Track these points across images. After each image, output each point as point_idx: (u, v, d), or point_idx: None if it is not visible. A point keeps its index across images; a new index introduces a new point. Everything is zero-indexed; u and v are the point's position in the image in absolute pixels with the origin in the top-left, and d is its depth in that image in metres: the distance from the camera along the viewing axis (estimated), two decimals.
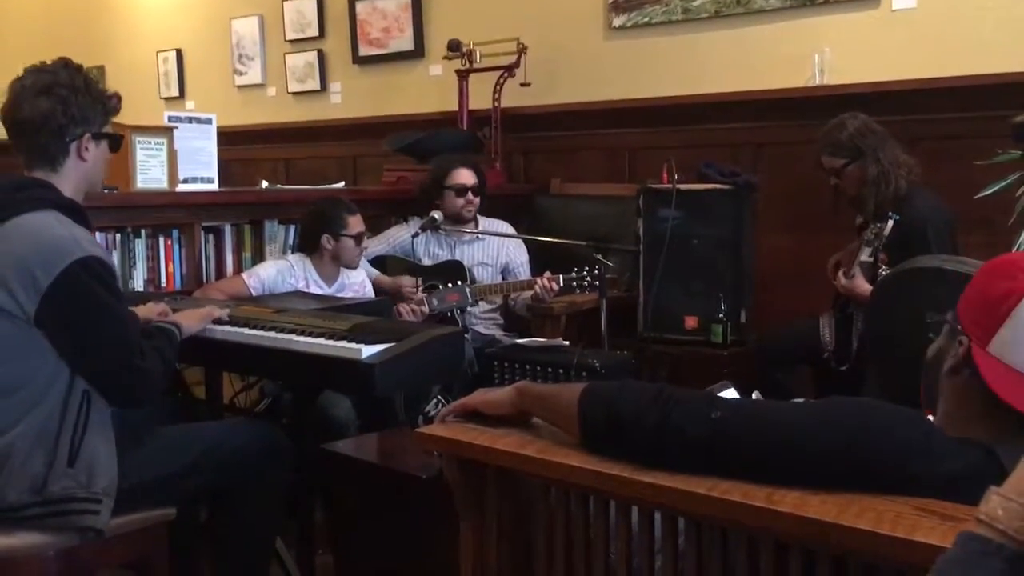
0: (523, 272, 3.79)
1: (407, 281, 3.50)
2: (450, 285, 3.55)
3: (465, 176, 3.70)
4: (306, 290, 3.31)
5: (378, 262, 3.75)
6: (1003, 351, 1.25)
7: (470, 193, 3.69)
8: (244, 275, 3.36)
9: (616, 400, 1.42)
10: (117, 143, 2.25)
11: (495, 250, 3.80)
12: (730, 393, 1.92)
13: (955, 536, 0.95)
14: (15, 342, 1.97)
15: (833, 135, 3.22)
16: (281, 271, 3.35)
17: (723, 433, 1.32)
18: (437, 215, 3.62)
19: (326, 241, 3.31)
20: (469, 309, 3.62)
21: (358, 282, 3.46)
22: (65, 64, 2.14)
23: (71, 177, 2.12)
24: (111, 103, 2.19)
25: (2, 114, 2.14)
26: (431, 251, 3.75)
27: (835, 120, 3.24)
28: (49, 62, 2.14)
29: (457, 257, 3.73)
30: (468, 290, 3.53)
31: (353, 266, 3.39)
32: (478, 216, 3.80)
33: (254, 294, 3.29)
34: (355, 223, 3.32)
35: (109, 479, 2.02)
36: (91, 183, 2.21)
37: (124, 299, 2.16)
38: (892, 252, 3.01)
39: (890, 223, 2.97)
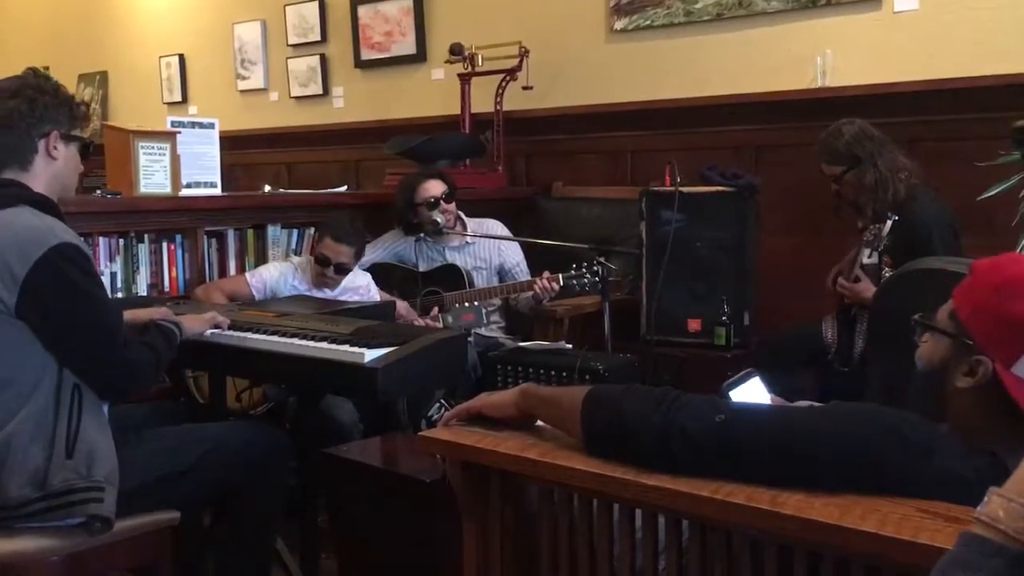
0: (520, 272, 3.77)
1: (402, 307, 3.46)
2: (465, 304, 3.51)
3: (433, 188, 3.63)
4: (308, 293, 3.31)
5: (377, 269, 3.73)
6: None
7: (442, 203, 3.63)
8: (247, 275, 3.38)
9: (620, 404, 1.42)
10: (87, 148, 2.28)
11: (487, 252, 3.77)
12: (755, 382, 1.92)
13: (957, 537, 0.95)
14: (0, 336, 1.99)
15: (830, 143, 3.22)
16: (284, 273, 3.36)
17: (727, 437, 1.32)
18: (440, 218, 3.61)
19: (312, 242, 3.35)
20: None
21: (362, 285, 3.45)
22: (35, 72, 2.20)
23: (42, 176, 2.15)
24: (78, 108, 2.23)
25: None
26: (426, 255, 3.74)
27: (832, 127, 3.24)
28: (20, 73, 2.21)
29: (449, 262, 3.72)
30: (484, 311, 3.50)
31: (315, 284, 3.33)
32: (465, 219, 3.78)
33: (255, 294, 3.29)
34: (328, 247, 3.25)
35: (109, 467, 2.03)
36: (63, 185, 2.23)
37: (103, 286, 2.18)
38: (897, 255, 3.00)
39: (888, 223, 2.98)
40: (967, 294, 1.35)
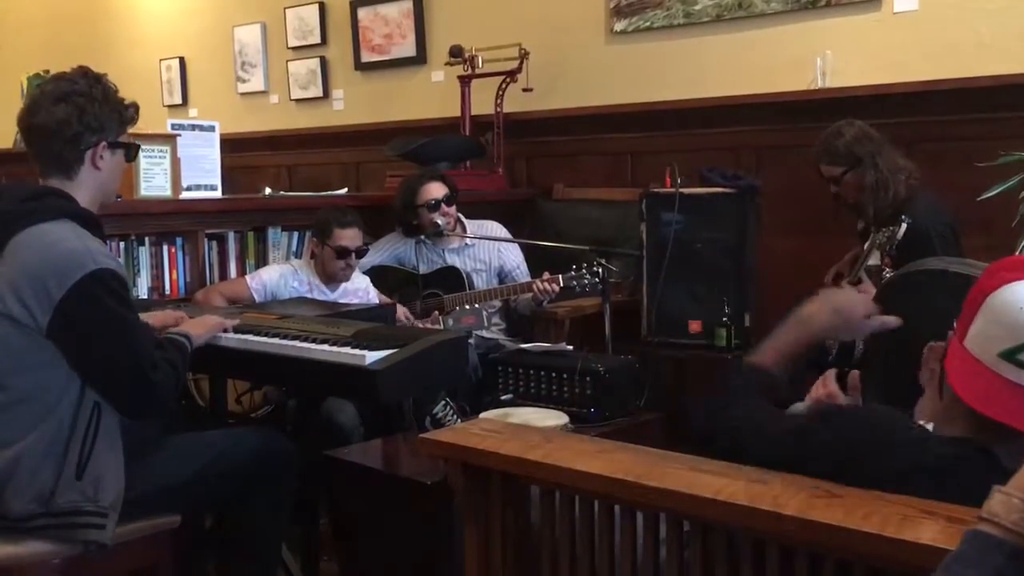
0: (520, 274, 3.77)
1: (400, 312, 3.46)
2: (466, 307, 3.50)
3: (435, 190, 3.63)
4: (309, 295, 3.31)
5: (377, 271, 3.73)
6: (973, 344, 1.30)
7: (443, 205, 3.63)
8: (247, 278, 3.37)
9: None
10: (133, 153, 2.25)
11: (487, 254, 3.77)
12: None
13: (961, 535, 0.95)
14: (27, 353, 1.97)
15: (830, 143, 3.21)
16: (284, 275, 3.36)
17: (737, 442, 1.38)
18: (441, 220, 3.61)
19: (315, 245, 3.33)
20: None
21: (362, 288, 3.45)
22: (84, 73, 2.14)
23: (86, 186, 2.12)
24: (128, 113, 2.19)
25: (19, 119, 2.14)
26: (426, 257, 3.74)
27: (831, 128, 3.24)
28: (69, 71, 2.15)
29: (449, 264, 3.72)
30: (485, 314, 3.50)
31: (337, 279, 3.34)
32: (465, 220, 3.78)
33: (256, 297, 3.29)
34: (342, 236, 3.25)
35: (116, 493, 2.02)
36: (105, 193, 2.21)
37: (137, 311, 2.15)
38: (896, 256, 3.00)
39: (903, 226, 2.96)
40: None
